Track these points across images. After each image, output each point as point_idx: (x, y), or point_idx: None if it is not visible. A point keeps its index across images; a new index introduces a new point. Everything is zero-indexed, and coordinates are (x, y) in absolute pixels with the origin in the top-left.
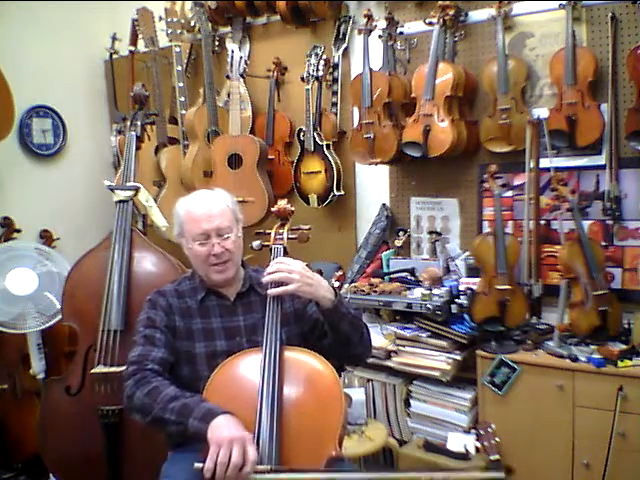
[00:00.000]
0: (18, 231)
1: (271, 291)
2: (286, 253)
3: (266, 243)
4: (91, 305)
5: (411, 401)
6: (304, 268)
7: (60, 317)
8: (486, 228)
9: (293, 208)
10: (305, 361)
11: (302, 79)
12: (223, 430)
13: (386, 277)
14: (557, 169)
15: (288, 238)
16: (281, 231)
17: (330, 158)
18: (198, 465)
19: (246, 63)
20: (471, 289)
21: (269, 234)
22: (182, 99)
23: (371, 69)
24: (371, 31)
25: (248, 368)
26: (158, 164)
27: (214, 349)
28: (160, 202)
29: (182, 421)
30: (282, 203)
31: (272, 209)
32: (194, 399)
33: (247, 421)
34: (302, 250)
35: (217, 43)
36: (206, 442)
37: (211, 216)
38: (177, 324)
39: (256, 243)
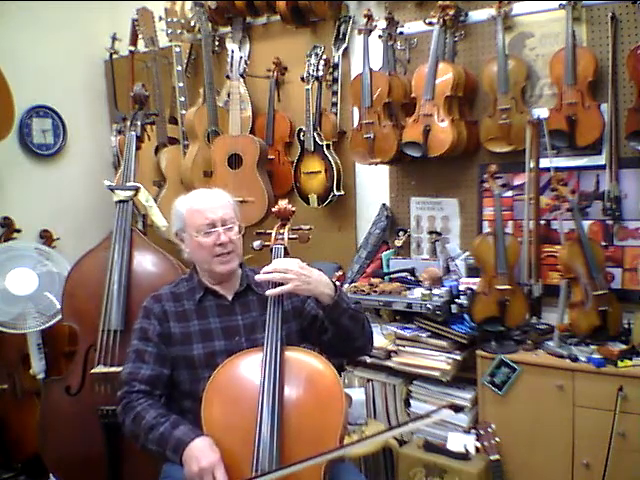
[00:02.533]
0: (18, 231)
1: (269, 291)
2: (287, 253)
3: (267, 243)
4: (91, 305)
5: (411, 401)
6: (301, 266)
7: (60, 317)
8: (486, 228)
9: (294, 208)
10: (306, 361)
11: (302, 79)
12: (192, 465)
13: (386, 277)
14: (557, 169)
15: (289, 238)
16: (282, 231)
17: (330, 158)
18: None
19: (246, 63)
20: (471, 289)
21: (270, 234)
22: (182, 99)
23: (371, 69)
24: (371, 31)
25: (249, 368)
26: (158, 164)
27: (213, 349)
28: (160, 202)
29: (161, 452)
30: (283, 203)
31: (273, 209)
32: (167, 427)
33: (248, 421)
34: (302, 250)
35: (217, 43)
36: None
37: (215, 207)
38: (172, 330)
39: (257, 243)
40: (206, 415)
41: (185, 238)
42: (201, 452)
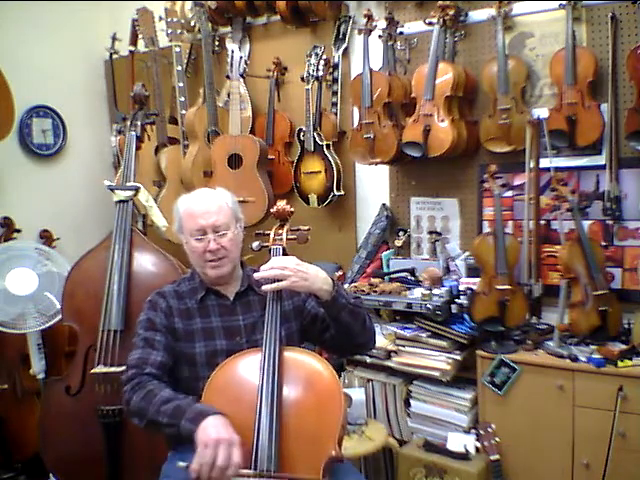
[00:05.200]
0: (18, 231)
1: (266, 286)
2: (285, 254)
3: (265, 244)
4: (91, 305)
5: (411, 401)
6: (297, 263)
7: (60, 317)
8: (486, 228)
9: (292, 209)
10: (305, 361)
11: (302, 79)
12: (211, 431)
13: (386, 277)
14: (557, 169)
15: (287, 239)
16: (280, 232)
17: (330, 158)
18: (182, 464)
19: (246, 63)
20: (471, 289)
21: (268, 235)
22: (182, 99)
23: (371, 69)
24: (371, 31)
25: (248, 368)
26: (158, 164)
27: (214, 349)
28: (160, 202)
29: (174, 423)
30: (281, 204)
31: (271, 210)
32: (186, 401)
33: (247, 421)
34: (302, 250)
35: (217, 43)
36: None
37: (208, 212)
38: (177, 326)
39: (255, 244)
40: None
41: (182, 239)
42: (224, 426)
